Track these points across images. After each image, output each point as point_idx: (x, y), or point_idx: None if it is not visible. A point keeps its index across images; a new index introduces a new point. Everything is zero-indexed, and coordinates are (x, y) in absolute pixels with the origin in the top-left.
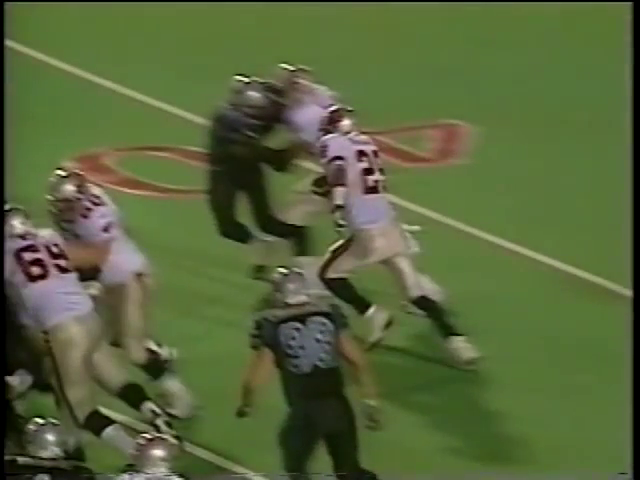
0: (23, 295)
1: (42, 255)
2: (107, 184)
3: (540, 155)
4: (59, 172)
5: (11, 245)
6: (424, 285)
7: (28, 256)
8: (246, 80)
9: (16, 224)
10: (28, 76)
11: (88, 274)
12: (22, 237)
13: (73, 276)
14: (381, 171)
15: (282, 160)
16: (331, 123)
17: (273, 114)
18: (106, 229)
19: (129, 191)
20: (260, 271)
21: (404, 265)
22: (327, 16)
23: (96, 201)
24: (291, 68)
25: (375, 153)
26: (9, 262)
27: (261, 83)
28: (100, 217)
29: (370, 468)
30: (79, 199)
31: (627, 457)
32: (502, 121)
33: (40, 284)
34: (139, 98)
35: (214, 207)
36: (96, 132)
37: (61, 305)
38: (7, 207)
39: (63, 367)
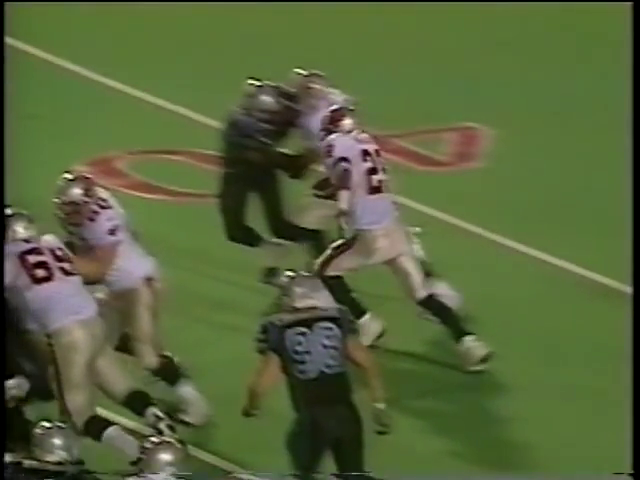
0: (27, 298)
1: (46, 258)
2: (120, 188)
3: (558, 157)
4: (66, 175)
5: (14, 248)
6: (441, 290)
7: (32, 259)
8: (259, 84)
9: (19, 229)
10: (37, 77)
11: (94, 278)
12: (26, 241)
13: (78, 279)
14: (384, 170)
15: (296, 166)
16: (332, 122)
17: (286, 119)
18: (112, 232)
19: (142, 195)
20: (270, 275)
21: (409, 265)
22: (342, 17)
23: (103, 204)
24: (304, 73)
25: (377, 152)
26: (12, 265)
27: (274, 87)
28: (107, 220)
29: (376, 471)
30: (86, 202)
31: (627, 457)
32: (520, 124)
33: (44, 286)
34: (151, 100)
35: (224, 210)
36: (107, 135)
37: (65, 308)
38: (10, 212)
39: (65, 372)
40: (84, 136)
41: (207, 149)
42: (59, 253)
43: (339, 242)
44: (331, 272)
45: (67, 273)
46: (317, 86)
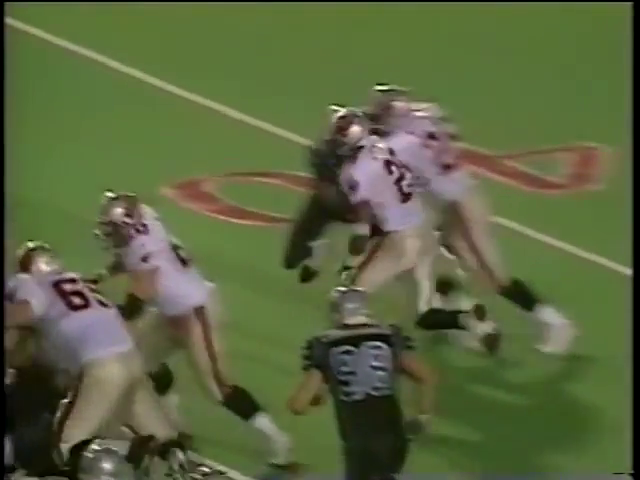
0: (62, 327)
1: (81, 288)
2: (209, 212)
3: None
4: (109, 194)
5: (48, 278)
6: (549, 317)
7: (68, 287)
8: (339, 109)
9: (42, 264)
10: (116, 92)
11: (133, 307)
12: (58, 272)
13: (114, 312)
14: (408, 170)
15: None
16: (340, 131)
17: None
18: (145, 259)
19: (233, 220)
20: (310, 275)
21: (423, 274)
22: (440, 27)
23: (140, 229)
24: (384, 89)
25: (391, 151)
26: (46, 294)
27: (354, 113)
28: (139, 247)
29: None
30: (126, 224)
31: (627, 457)
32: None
33: (81, 314)
34: (236, 116)
35: (292, 234)
36: (193, 155)
37: (102, 339)
38: (32, 245)
39: (81, 405)
40: (167, 156)
41: (301, 171)
42: (93, 286)
43: (359, 259)
44: (366, 287)
45: (103, 304)
46: (400, 104)
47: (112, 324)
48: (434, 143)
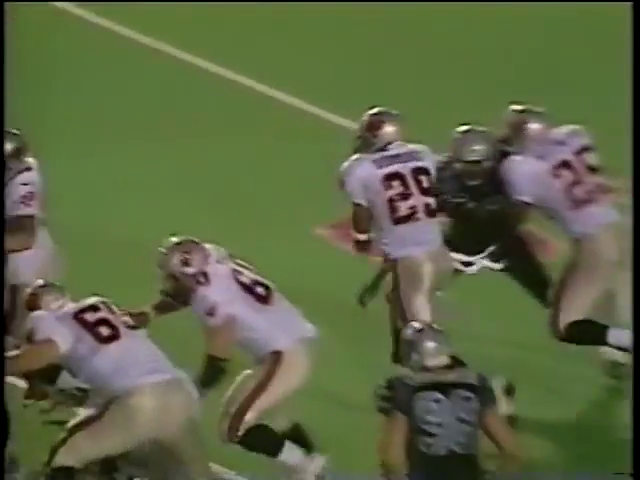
0: (94, 365)
1: (106, 315)
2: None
3: None
4: (172, 239)
5: (66, 310)
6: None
7: (92, 317)
8: (465, 129)
9: (50, 302)
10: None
11: (213, 369)
12: (74, 302)
13: (144, 333)
14: (427, 191)
15: (501, 227)
16: (370, 130)
17: (494, 172)
18: (211, 313)
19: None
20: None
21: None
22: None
23: (201, 279)
24: (519, 108)
25: (419, 170)
26: (68, 329)
27: (482, 132)
28: (203, 300)
29: None
30: (186, 275)
31: (627, 457)
32: None
33: (113, 346)
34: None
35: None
36: None
37: (138, 368)
38: (42, 282)
39: (106, 421)
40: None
41: None
42: (114, 308)
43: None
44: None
45: (132, 327)
46: (535, 126)
47: (146, 350)
48: (566, 173)
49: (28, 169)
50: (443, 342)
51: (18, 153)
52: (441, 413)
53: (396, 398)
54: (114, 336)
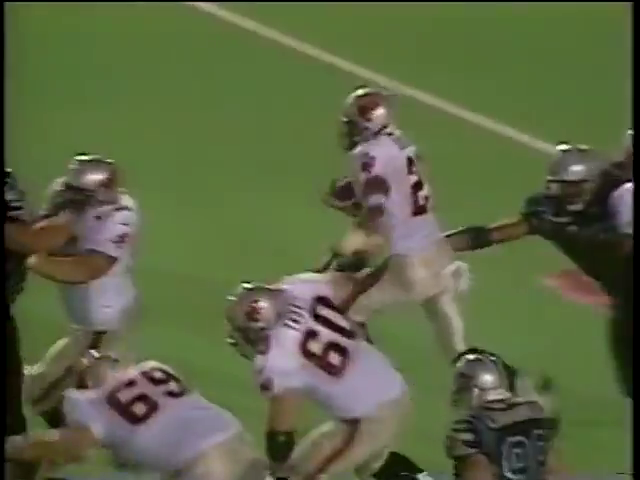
0: (132, 445)
1: (144, 389)
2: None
3: None
4: (245, 285)
5: (98, 394)
6: None
7: (126, 396)
8: (566, 148)
9: (107, 376)
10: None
11: (279, 447)
12: (114, 379)
13: (196, 397)
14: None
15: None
16: (362, 113)
17: (600, 191)
18: (267, 386)
19: None
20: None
21: (449, 308)
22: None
23: (261, 346)
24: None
25: (417, 157)
26: (101, 414)
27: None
28: (258, 371)
29: None
30: (250, 329)
31: (627, 457)
32: None
33: (150, 423)
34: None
35: None
36: None
37: (192, 434)
38: (98, 355)
39: None
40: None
41: None
42: (157, 375)
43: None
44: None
45: (175, 395)
46: None
47: (199, 411)
48: None
49: (128, 208)
50: (499, 374)
51: (110, 184)
52: (525, 458)
53: (481, 443)
54: (149, 413)
